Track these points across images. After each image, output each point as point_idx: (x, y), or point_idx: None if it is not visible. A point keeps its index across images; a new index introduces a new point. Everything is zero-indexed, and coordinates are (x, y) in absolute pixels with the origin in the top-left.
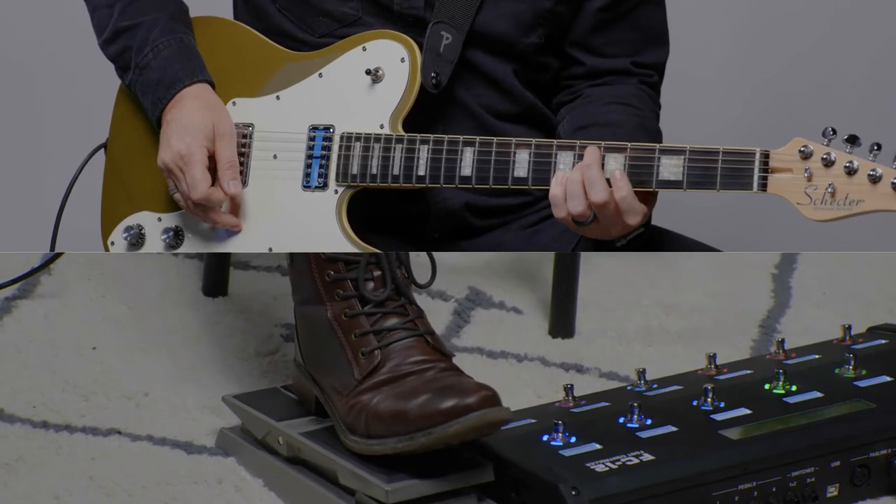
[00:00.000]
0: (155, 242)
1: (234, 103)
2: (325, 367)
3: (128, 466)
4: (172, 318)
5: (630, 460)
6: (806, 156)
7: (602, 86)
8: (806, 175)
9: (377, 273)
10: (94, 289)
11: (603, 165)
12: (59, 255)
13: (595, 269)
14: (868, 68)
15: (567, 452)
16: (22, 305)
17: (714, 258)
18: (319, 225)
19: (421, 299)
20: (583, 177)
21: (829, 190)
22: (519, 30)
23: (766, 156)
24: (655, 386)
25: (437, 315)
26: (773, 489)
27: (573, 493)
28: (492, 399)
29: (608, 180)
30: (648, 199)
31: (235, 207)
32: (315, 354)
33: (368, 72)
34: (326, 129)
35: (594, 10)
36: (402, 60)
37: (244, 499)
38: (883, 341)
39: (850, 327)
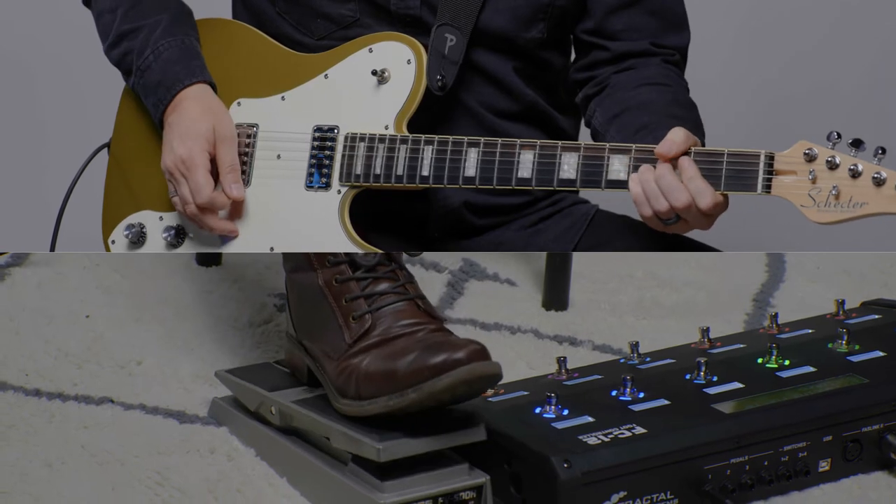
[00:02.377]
0: (156, 241)
1: (238, 104)
2: (317, 333)
3: (120, 435)
4: (166, 287)
5: (622, 433)
6: (810, 158)
7: (627, 71)
8: (810, 177)
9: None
10: (87, 257)
11: (607, 166)
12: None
13: None
14: (869, 69)
15: (559, 425)
16: (15, 273)
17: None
18: (322, 225)
19: (414, 270)
20: (658, 184)
21: (833, 192)
22: (518, 24)
23: (770, 158)
24: (648, 359)
25: (431, 286)
26: (765, 463)
27: (565, 465)
28: (481, 353)
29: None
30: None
31: (236, 210)
32: (306, 321)
33: (375, 73)
34: (331, 129)
35: None
36: (409, 62)
37: (236, 468)
38: (876, 316)
39: (843, 302)
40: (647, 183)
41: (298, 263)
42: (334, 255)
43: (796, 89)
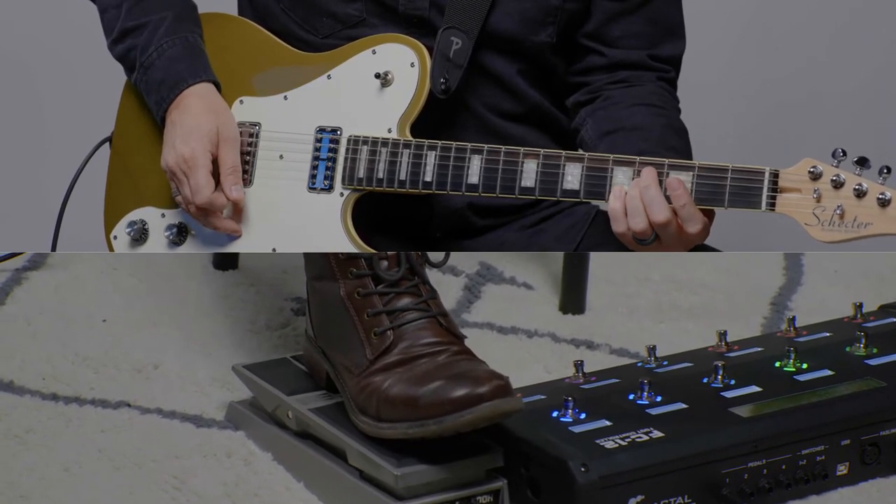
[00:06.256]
0: (158, 238)
1: (241, 101)
2: (337, 345)
3: (137, 439)
4: (183, 290)
5: (640, 437)
6: (815, 176)
7: (621, 85)
8: (815, 196)
9: (391, 252)
10: (104, 260)
11: (610, 178)
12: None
13: None
14: (870, 76)
15: (577, 429)
16: (32, 277)
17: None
18: (324, 227)
19: (432, 274)
20: (641, 196)
21: (838, 212)
22: (526, 28)
23: (775, 175)
24: (666, 363)
25: (448, 290)
26: (783, 467)
27: (582, 469)
28: (504, 389)
29: (667, 196)
30: (707, 212)
31: (238, 211)
32: (327, 330)
33: (378, 75)
34: (334, 131)
35: (605, 1)
36: (412, 65)
37: (253, 472)
38: (894, 319)
39: (861, 305)
40: (632, 200)
41: (321, 271)
42: (357, 266)
43: (796, 94)
